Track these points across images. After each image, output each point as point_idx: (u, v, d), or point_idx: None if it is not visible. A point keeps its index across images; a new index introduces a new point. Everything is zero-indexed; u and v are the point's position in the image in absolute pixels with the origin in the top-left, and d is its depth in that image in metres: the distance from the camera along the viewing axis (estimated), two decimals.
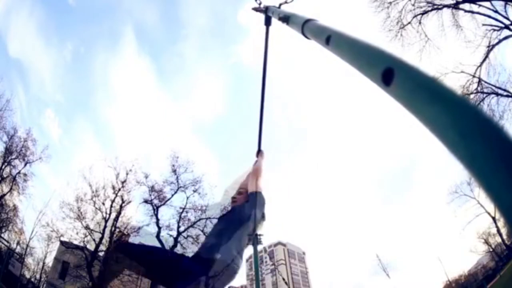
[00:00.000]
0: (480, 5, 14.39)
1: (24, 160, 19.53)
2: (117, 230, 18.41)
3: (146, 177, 19.73)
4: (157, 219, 19.11)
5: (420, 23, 15.37)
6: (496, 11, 14.13)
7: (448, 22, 15.25)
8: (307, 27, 1.40)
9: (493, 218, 24.85)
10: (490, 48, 14.52)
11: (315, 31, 1.31)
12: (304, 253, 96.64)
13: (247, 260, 38.75)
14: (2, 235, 18.32)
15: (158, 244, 19.05)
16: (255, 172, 2.77)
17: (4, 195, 18.80)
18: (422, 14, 15.21)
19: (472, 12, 14.70)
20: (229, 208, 2.63)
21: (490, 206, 22.03)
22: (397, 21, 15.60)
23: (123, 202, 18.85)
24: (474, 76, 14.70)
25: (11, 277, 16.92)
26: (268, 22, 2.72)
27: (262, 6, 2.70)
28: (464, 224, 26.44)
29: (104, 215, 18.05)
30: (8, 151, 18.80)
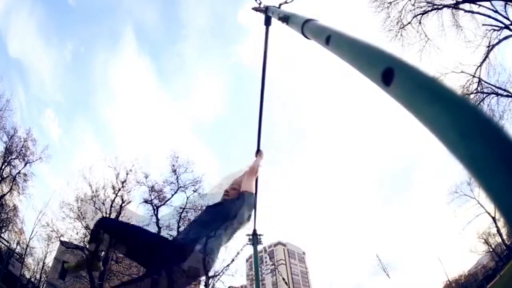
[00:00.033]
0: (480, 5, 14.40)
1: (24, 160, 19.54)
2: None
3: (146, 177, 19.72)
4: (157, 219, 19.11)
5: (420, 23, 15.38)
6: (496, 11, 14.13)
7: (448, 22, 15.27)
8: (307, 27, 1.40)
9: (493, 218, 24.84)
10: (490, 48, 14.52)
11: (315, 31, 1.31)
12: (304, 253, 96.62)
13: (247, 260, 38.71)
14: (2, 235, 18.32)
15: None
16: (252, 172, 2.78)
17: (4, 195, 18.80)
18: (422, 14, 15.21)
19: (472, 12, 14.70)
20: (220, 200, 2.65)
21: (490, 206, 22.04)
22: (397, 21, 15.61)
23: (123, 202, 18.85)
24: (474, 76, 14.71)
25: (11, 277, 16.92)
26: (268, 22, 2.72)
27: (262, 6, 2.70)
28: (464, 224, 26.45)
29: (104, 215, 18.04)
30: (8, 151, 18.80)
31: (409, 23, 15.47)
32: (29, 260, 20.11)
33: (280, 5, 2.42)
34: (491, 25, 14.41)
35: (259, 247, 13.65)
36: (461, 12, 15.00)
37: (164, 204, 19.50)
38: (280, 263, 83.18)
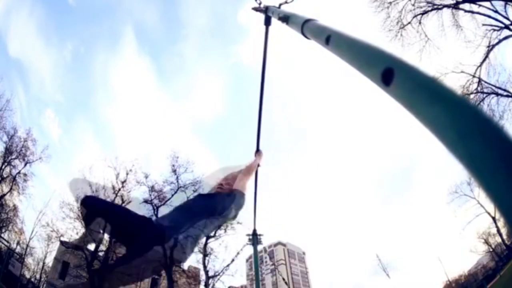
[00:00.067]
0: (480, 5, 14.40)
1: (24, 160, 19.54)
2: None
3: (146, 177, 19.71)
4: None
5: (420, 23, 15.38)
6: (496, 11, 14.13)
7: (448, 22, 15.27)
8: (306, 27, 1.40)
9: (493, 218, 24.84)
10: (490, 48, 14.52)
11: (314, 31, 1.32)
12: (304, 253, 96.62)
13: (247, 260, 38.70)
14: (2, 235, 18.31)
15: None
16: (248, 171, 2.79)
17: (4, 195, 18.80)
18: (422, 14, 15.21)
19: (472, 12, 14.70)
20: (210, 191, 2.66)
21: (490, 206, 22.04)
22: (397, 21, 15.61)
23: (123, 202, 18.84)
24: (474, 76, 14.71)
25: (11, 277, 16.92)
26: (268, 22, 2.72)
27: (262, 6, 2.70)
28: (464, 224, 26.44)
29: None
30: (8, 151, 18.80)
31: (409, 23, 15.47)
32: (29, 260, 20.13)
33: (280, 5, 2.42)
34: (491, 25, 14.41)
35: (259, 247, 13.67)
36: (461, 12, 15.01)
37: (164, 204, 19.49)
38: (280, 263, 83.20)
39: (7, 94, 19.69)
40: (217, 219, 2.26)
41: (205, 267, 19.89)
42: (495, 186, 0.41)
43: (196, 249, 20.30)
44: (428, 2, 15.03)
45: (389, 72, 0.67)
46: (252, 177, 2.83)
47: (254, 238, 13.10)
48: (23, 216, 19.69)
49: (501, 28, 14.20)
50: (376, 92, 0.78)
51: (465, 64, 14.73)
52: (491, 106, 14.44)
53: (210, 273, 19.77)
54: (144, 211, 19.77)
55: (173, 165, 19.97)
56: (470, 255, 32.66)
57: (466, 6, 14.80)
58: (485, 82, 14.75)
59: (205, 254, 19.92)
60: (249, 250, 15.48)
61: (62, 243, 18.71)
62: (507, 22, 13.99)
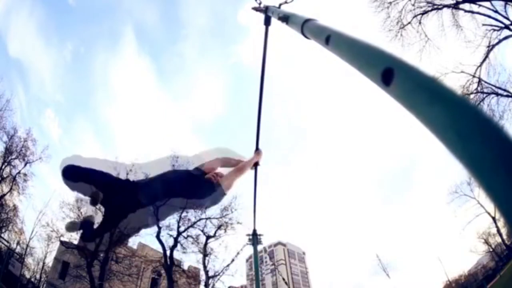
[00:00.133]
0: (480, 5, 14.39)
1: (24, 160, 19.53)
2: (117, 230, 18.39)
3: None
4: (157, 219, 19.07)
5: (420, 23, 15.37)
6: (496, 11, 14.13)
7: (448, 22, 15.26)
8: (306, 27, 1.40)
9: (493, 218, 24.83)
10: (490, 48, 14.51)
11: (314, 31, 1.31)
12: (304, 253, 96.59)
13: (247, 260, 38.70)
14: (2, 235, 18.31)
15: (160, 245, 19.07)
16: (242, 168, 2.79)
17: (4, 195, 18.79)
18: (422, 14, 15.21)
19: (472, 12, 14.70)
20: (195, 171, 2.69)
21: (490, 206, 22.03)
22: (397, 21, 15.60)
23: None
24: (474, 76, 14.70)
25: (11, 277, 16.91)
26: (267, 22, 2.72)
27: (262, 6, 2.70)
28: (464, 224, 26.44)
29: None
30: (8, 151, 18.79)
31: (409, 23, 15.47)
32: (29, 260, 20.10)
33: (280, 5, 2.42)
34: (491, 25, 14.41)
35: (259, 247, 13.67)
36: (461, 12, 15.00)
37: (164, 204, 19.46)
38: (280, 263, 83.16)
39: (7, 94, 19.67)
40: (193, 202, 2.31)
41: (205, 267, 19.89)
42: (495, 186, 0.41)
43: (196, 249, 20.33)
44: (428, 2, 15.03)
45: (389, 72, 0.67)
46: (245, 175, 2.83)
47: (254, 238, 13.10)
48: (23, 216, 19.70)
49: (501, 28, 14.20)
50: (376, 92, 0.78)
51: (465, 64, 14.75)
52: (491, 106, 14.45)
53: (210, 273, 19.78)
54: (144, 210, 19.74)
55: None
56: (470, 255, 32.67)
57: (466, 6, 14.80)
58: (485, 82, 14.75)
59: (205, 254, 19.92)
60: (249, 250, 15.50)
61: (62, 243, 18.70)
62: (507, 22, 13.99)
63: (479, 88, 14.78)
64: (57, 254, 20.50)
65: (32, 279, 20.31)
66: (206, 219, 19.83)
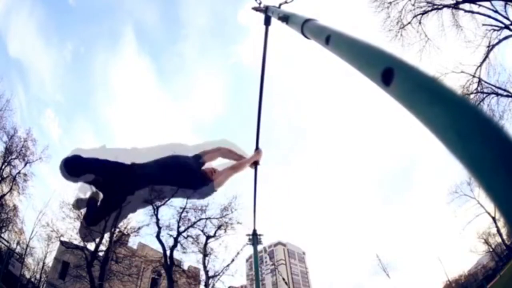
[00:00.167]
0: (480, 5, 14.39)
1: (24, 160, 19.53)
2: (117, 230, 18.42)
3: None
4: (157, 219, 19.10)
5: (420, 23, 15.37)
6: (496, 11, 14.13)
7: (448, 22, 15.26)
8: (306, 27, 1.40)
9: (493, 218, 24.83)
10: (490, 48, 14.51)
11: (314, 31, 1.31)
12: (304, 253, 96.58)
13: (247, 260, 38.69)
14: (2, 235, 18.30)
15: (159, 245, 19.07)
16: (239, 166, 2.79)
17: (4, 195, 18.79)
18: (422, 14, 15.21)
19: (472, 12, 14.70)
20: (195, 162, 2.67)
21: (490, 206, 22.03)
22: (397, 21, 15.60)
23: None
24: (474, 76, 14.70)
25: (11, 277, 16.90)
26: (267, 22, 2.72)
27: (262, 6, 2.70)
28: (464, 224, 26.43)
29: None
30: (8, 151, 18.79)
31: (409, 23, 15.47)
32: (29, 260, 20.08)
33: (280, 5, 2.42)
34: (491, 25, 14.41)
35: (259, 247, 13.66)
36: (461, 12, 15.00)
37: (164, 204, 19.49)
38: (280, 263, 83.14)
39: (7, 94, 19.65)
40: (184, 191, 2.34)
41: (205, 267, 19.90)
42: (495, 186, 0.41)
43: (196, 249, 20.32)
44: (428, 2, 15.03)
45: (389, 72, 0.67)
46: (240, 172, 2.83)
47: (254, 238, 13.10)
48: (23, 216, 19.69)
49: (501, 28, 14.20)
50: (376, 92, 0.78)
51: (465, 64, 14.75)
52: (491, 106, 14.45)
53: (210, 273, 19.78)
54: (144, 210, 19.79)
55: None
56: (470, 255, 32.63)
57: (466, 6, 14.80)
58: (485, 82, 14.75)
59: (205, 254, 19.93)
60: (249, 250, 15.50)
61: (62, 243, 18.71)
62: (507, 22, 13.99)
63: (479, 88, 14.79)
64: (57, 254, 20.50)
65: (32, 279, 20.30)
66: (206, 219, 19.86)
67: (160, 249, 19.46)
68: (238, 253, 19.74)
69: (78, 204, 2.35)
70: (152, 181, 2.20)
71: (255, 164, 3.46)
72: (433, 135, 0.52)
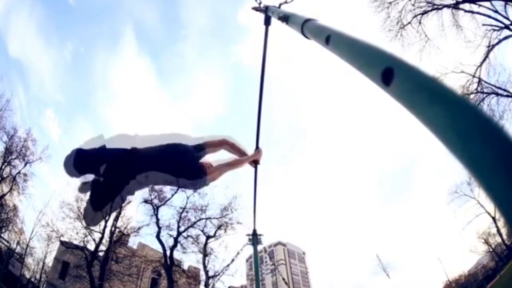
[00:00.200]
0: (480, 5, 14.39)
1: (24, 160, 19.52)
2: (117, 230, 18.43)
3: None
4: (157, 219, 19.10)
5: (420, 23, 15.37)
6: (496, 11, 14.13)
7: (448, 22, 15.26)
8: (306, 27, 1.40)
9: (493, 218, 24.83)
10: (490, 48, 14.51)
11: (314, 31, 1.31)
12: (304, 253, 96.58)
13: (247, 260, 38.69)
14: (2, 235, 18.30)
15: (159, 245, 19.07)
16: (237, 163, 2.78)
17: (4, 195, 18.79)
18: (422, 14, 15.20)
19: (472, 12, 14.70)
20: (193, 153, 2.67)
21: (490, 206, 22.03)
22: (397, 21, 15.60)
23: (123, 202, 18.81)
24: (474, 76, 14.70)
25: (11, 277, 16.90)
26: (267, 22, 2.72)
27: (262, 5, 2.70)
28: (464, 224, 26.43)
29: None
30: (8, 151, 18.79)
31: (409, 23, 15.47)
32: (29, 260, 20.09)
33: (280, 5, 2.42)
34: (491, 25, 14.41)
35: (259, 247, 13.66)
36: (461, 12, 15.00)
37: (164, 204, 19.49)
38: (280, 263, 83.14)
39: (7, 94, 19.64)
40: (177, 180, 2.36)
41: (205, 267, 19.89)
42: (495, 186, 0.41)
43: (196, 249, 20.31)
44: (428, 2, 15.03)
45: (389, 72, 0.67)
46: (237, 170, 2.83)
47: (254, 238, 13.09)
48: (23, 216, 19.69)
49: (501, 28, 14.20)
50: (376, 92, 0.78)
51: (465, 64, 14.75)
52: (491, 106, 14.45)
53: (210, 273, 19.77)
54: (144, 210, 19.80)
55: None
56: (470, 255, 32.65)
57: (466, 6, 14.80)
58: (485, 82, 14.75)
59: (205, 254, 19.92)
60: (249, 250, 15.49)
61: (62, 243, 18.72)
62: (507, 22, 13.98)
63: (479, 88, 14.79)
64: (57, 254, 20.50)
65: (32, 279, 20.31)
66: (206, 219, 19.86)
67: (160, 249, 19.48)
68: (238, 253, 19.76)
69: (84, 187, 2.36)
70: (151, 166, 2.23)
71: (255, 163, 3.44)
72: (433, 135, 0.52)
